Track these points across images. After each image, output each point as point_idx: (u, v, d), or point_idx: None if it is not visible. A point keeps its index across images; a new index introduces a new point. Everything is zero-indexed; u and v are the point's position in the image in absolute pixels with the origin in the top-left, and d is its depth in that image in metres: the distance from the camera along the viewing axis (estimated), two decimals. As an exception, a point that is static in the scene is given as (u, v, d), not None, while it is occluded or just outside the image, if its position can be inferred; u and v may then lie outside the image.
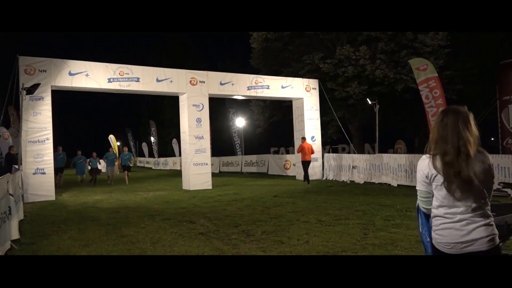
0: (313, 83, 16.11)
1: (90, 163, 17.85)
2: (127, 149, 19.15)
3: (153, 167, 35.15)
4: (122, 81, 12.38)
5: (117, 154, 22.78)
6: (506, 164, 9.51)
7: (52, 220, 7.76)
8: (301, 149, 13.93)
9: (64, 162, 16.15)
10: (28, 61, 11.19)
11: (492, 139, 15.59)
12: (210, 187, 13.47)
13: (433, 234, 2.22)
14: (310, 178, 14.05)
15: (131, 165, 18.87)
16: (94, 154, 17.87)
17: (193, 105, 13.54)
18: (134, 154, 40.58)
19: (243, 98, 16.39)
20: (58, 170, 15.16)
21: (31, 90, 10.67)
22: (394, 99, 18.96)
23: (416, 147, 23.41)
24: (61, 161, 15.63)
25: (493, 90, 14.13)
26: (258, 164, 21.00)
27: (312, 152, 13.98)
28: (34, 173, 11.07)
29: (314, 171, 15.57)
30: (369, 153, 21.08)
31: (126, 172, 17.49)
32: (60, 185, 15.20)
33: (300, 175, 15.75)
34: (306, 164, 13.94)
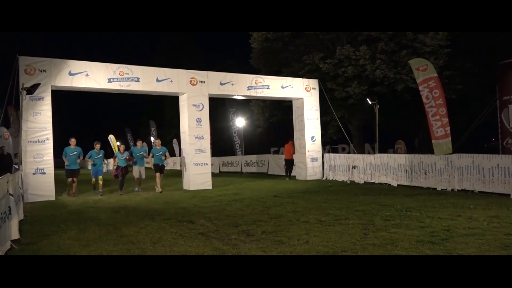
0: (313, 83, 16.11)
1: (116, 160, 13.11)
2: (159, 142, 13.80)
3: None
4: (122, 81, 12.38)
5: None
6: (506, 164, 9.50)
7: (52, 220, 7.76)
8: (286, 149, 16.41)
9: (79, 162, 12.21)
10: (28, 61, 11.19)
11: (493, 139, 15.61)
12: (210, 187, 13.47)
13: None
14: (310, 178, 15.40)
15: (165, 165, 14.09)
16: (122, 147, 13.28)
17: (193, 105, 13.54)
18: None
19: (243, 98, 16.39)
20: (71, 173, 11.91)
21: (31, 90, 10.67)
22: (394, 99, 18.96)
23: (416, 147, 23.41)
24: (74, 160, 11.85)
25: (493, 90, 14.13)
26: (258, 164, 21.00)
27: (294, 153, 16.25)
28: (34, 173, 11.05)
29: (314, 171, 15.62)
30: (369, 153, 21.11)
31: (158, 174, 13.01)
32: (74, 194, 12.02)
33: (300, 175, 15.84)
34: (289, 162, 16.33)
